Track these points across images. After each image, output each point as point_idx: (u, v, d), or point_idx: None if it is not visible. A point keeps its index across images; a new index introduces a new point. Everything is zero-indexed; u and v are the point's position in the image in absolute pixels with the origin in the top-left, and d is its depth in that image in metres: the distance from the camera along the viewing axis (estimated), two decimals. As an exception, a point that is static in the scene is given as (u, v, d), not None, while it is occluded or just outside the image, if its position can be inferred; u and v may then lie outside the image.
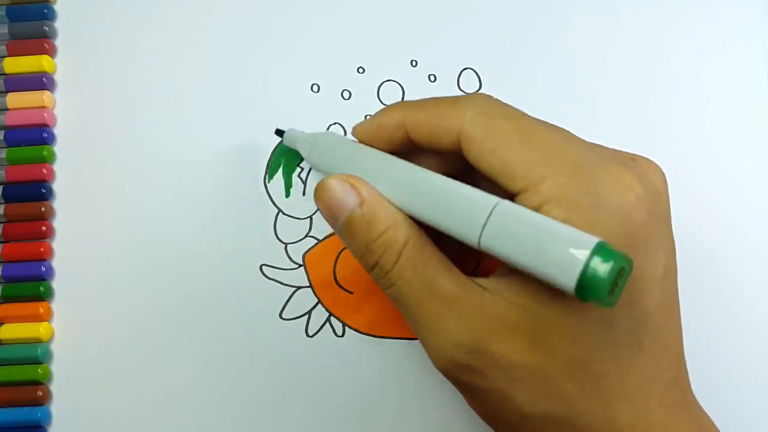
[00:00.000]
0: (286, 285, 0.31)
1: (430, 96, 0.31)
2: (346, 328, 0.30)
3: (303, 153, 0.27)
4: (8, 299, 0.31)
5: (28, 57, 0.32)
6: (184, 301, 0.31)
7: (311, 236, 0.31)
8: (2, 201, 0.32)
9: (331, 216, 0.24)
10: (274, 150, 0.31)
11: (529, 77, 0.32)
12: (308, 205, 0.31)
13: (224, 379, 0.30)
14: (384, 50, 0.32)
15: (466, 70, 0.32)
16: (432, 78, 0.32)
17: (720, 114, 0.31)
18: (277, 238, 0.31)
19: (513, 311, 0.21)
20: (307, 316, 0.30)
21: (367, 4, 0.32)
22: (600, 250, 0.18)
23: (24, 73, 0.32)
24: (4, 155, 0.32)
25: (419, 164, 0.24)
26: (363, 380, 0.30)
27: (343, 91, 0.32)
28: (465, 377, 0.22)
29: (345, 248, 0.31)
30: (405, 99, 0.32)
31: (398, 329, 0.30)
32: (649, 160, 0.23)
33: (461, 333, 0.21)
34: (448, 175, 0.23)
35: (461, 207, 0.21)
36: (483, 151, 0.21)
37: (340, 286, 0.30)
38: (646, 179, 0.21)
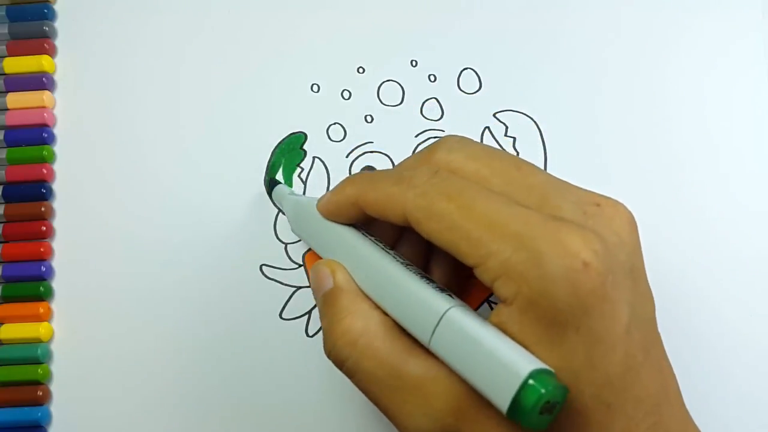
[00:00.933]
0: (286, 285, 0.31)
1: (430, 96, 0.31)
2: (346, 328, 0.30)
3: (286, 214, 0.29)
4: (8, 299, 0.31)
5: (28, 57, 0.32)
6: (184, 301, 0.31)
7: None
8: (2, 201, 0.32)
9: (314, 293, 0.25)
10: (274, 150, 0.32)
11: (529, 77, 0.32)
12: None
13: (224, 378, 0.30)
14: (384, 50, 0.32)
15: (466, 70, 0.32)
16: (432, 78, 0.32)
17: (720, 114, 0.31)
18: (277, 238, 0.31)
19: (480, 396, 0.20)
20: (307, 316, 0.30)
21: (367, 4, 0.32)
22: (533, 378, 0.18)
23: (24, 73, 0.32)
24: (4, 155, 0.32)
25: (386, 228, 0.25)
26: (363, 380, 0.30)
27: (343, 91, 0.32)
28: None
29: (345, 248, 0.31)
30: (405, 99, 0.32)
31: (398, 329, 0.30)
32: (616, 203, 0.22)
33: (430, 420, 0.21)
34: (415, 237, 0.24)
35: (416, 308, 0.21)
36: (431, 231, 0.21)
37: (340, 286, 0.30)
38: (604, 235, 0.21)
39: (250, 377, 0.30)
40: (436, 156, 0.24)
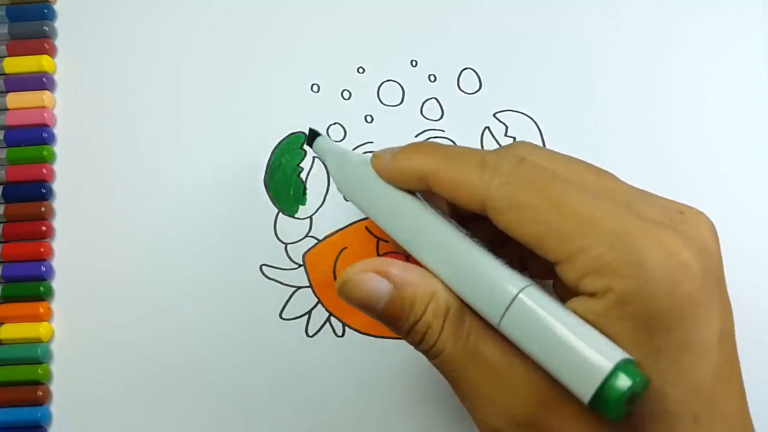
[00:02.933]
0: (286, 285, 0.31)
1: (430, 96, 0.31)
2: (346, 328, 0.30)
3: (330, 169, 0.27)
4: (8, 299, 0.31)
5: (28, 57, 0.32)
6: (184, 301, 0.31)
7: (311, 236, 0.31)
8: (2, 201, 0.32)
9: (366, 309, 0.22)
10: (274, 150, 0.32)
11: (529, 77, 0.32)
12: (308, 205, 0.31)
13: (224, 378, 0.30)
14: (384, 50, 0.32)
15: (466, 70, 0.32)
16: (432, 78, 0.32)
17: (720, 114, 0.31)
18: (277, 238, 0.31)
19: (560, 385, 0.20)
20: (307, 316, 0.30)
21: (367, 4, 0.32)
22: (621, 369, 0.18)
23: (24, 73, 0.32)
24: (4, 155, 0.32)
25: (453, 205, 0.23)
26: (363, 380, 0.30)
27: (343, 91, 0.32)
28: None
29: (345, 248, 0.31)
30: (405, 99, 0.32)
31: (398, 329, 0.30)
32: (698, 212, 0.21)
33: (509, 406, 0.20)
34: (479, 222, 0.22)
35: (486, 285, 0.20)
36: (511, 224, 0.20)
37: (340, 286, 0.30)
38: (694, 239, 0.20)
39: (249, 377, 0.30)
40: (516, 151, 0.22)
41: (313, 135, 0.28)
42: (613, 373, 0.18)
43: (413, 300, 0.22)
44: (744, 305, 0.30)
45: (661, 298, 0.18)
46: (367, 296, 0.22)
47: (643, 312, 0.18)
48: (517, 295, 0.20)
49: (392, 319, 0.22)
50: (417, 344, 0.22)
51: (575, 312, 0.19)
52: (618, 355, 0.18)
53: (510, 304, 0.20)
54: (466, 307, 0.22)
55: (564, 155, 0.23)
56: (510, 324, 0.20)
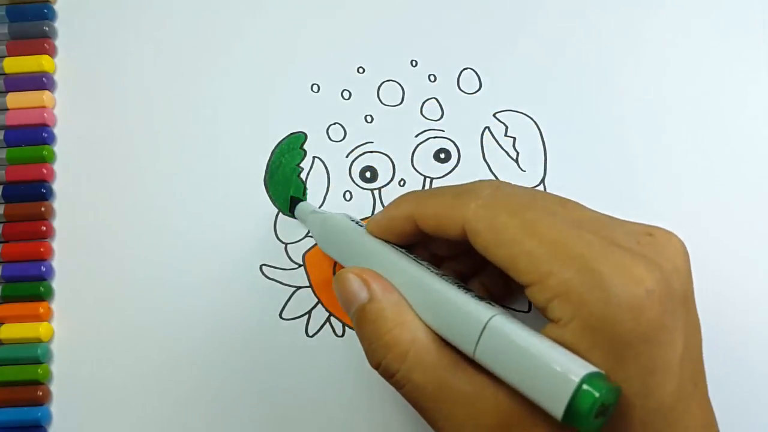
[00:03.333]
0: (286, 285, 0.31)
1: (430, 96, 0.31)
2: (346, 328, 0.30)
3: (312, 231, 0.29)
4: (8, 299, 0.31)
5: (28, 57, 0.32)
6: (184, 301, 0.31)
7: (311, 236, 0.31)
8: (2, 201, 0.32)
9: (344, 306, 0.24)
10: (274, 150, 0.32)
11: (529, 77, 0.32)
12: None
13: (224, 379, 0.30)
14: (384, 50, 0.32)
15: (466, 70, 0.32)
16: (432, 78, 0.32)
17: (720, 114, 0.31)
18: (277, 238, 0.31)
19: (528, 408, 0.20)
20: (307, 316, 0.30)
21: (367, 4, 0.32)
22: (587, 382, 0.18)
23: (24, 73, 0.32)
24: (4, 155, 0.32)
25: (434, 247, 0.25)
26: (363, 380, 0.30)
27: (343, 91, 0.32)
28: None
29: (345, 248, 0.31)
30: (405, 99, 0.32)
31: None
32: (668, 233, 0.22)
33: None
34: (462, 254, 0.24)
35: (458, 318, 0.21)
36: (488, 245, 0.21)
37: (340, 286, 0.30)
38: (662, 261, 0.21)
39: (249, 377, 0.30)
40: (491, 181, 0.24)
41: (293, 203, 0.30)
42: (581, 386, 0.18)
43: (380, 315, 0.23)
44: (746, 304, 0.30)
45: (626, 325, 0.19)
46: (347, 295, 0.24)
47: (609, 339, 0.19)
48: (486, 323, 0.20)
49: (360, 325, 0.23)
50: (377, 366, 0.23)
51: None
52: (585, 368, 0.19)
53: (482, 333, 0.20)
54: (437, 341, 0.22)
55: (533, 189, 0.24)
56: (484, 351, 0.20)
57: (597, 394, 0.18)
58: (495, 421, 0.21)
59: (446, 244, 0.26)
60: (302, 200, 0.30)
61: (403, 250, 0.25)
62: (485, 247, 0.22)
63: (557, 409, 0.18)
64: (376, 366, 0.23)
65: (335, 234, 0.27)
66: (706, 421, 0.21)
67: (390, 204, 0.26)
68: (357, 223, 0.27)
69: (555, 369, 0.19)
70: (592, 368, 0.19)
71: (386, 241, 0.25)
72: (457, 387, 0.21)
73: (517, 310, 0.29)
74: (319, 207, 0.31)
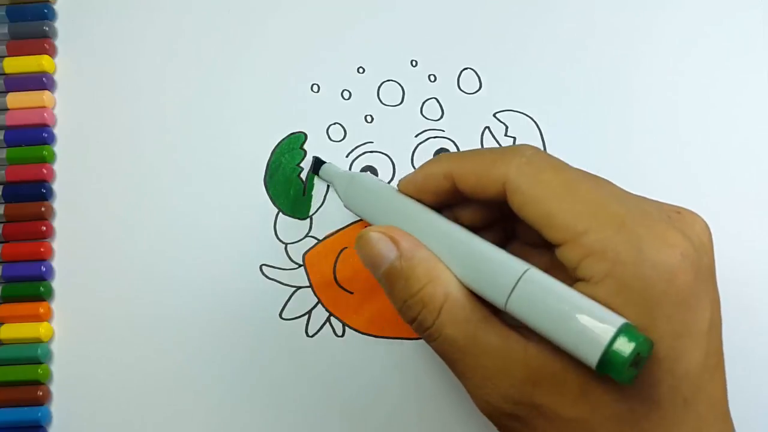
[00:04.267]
0: (286, 285, 0.31)
1: (430, 96, 0.31)
2: (346, 328, 0.30)
3: (339, 190, 0.29)
4: (8, 299, 0.31)
5: (28, 57, 0.32)
6: (184, 301, 0.31)
7: (311, 236, 0.31)
8: (2, 201, 0.32)
9: (372, 267, 0.24)
10: (274, 150, 0.32)
11: (529, 77, 0.32)
12: (308, 205, 0.31)
13: (224, 378, 0.30)
14: (384, 50, 0.32)
15: (466, 70, 0.32)
16: (432, 78, 0.32)
17: (722, 113, 0.31)
18: (277, 238, 0.31)
19: (558, 364, 0.21)
20: (307, 316, 0.30)
21: (367, 4, 0.32)
22: (623, 332, 0.19)
23: (24, 73, 0.32)
24: (4, 155, 0.32)
25: (462, 215, 0.25)
26: (363, 380, 0.30)
27: (343, 91, 0.32)
28: (509, 424, 0.22)
29: (345, 248, 0.31)
30: (405, 99, 0.32)
31: (398, 329, 0.30)
32: (693, 213, 0.23)
33: (507, 386, 0.21)
34: (486, 226, 0.24)
35: (491, 270, 0.22)
36: (527, 201, 0.22)
37: (340, 286, 0.30)
38: (691, 235, 0.21)
39: (249, 377, 0.30)
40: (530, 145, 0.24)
41: (318, 163, 0.30)
42: (616, 337, 0.18)
43: (412, 273, 0.23)
44: (746, 303, 0.30)
45: (660, 286, 0.19)
46: (374, 255, 0.23)
47: (642, 298, 0.19)
48: (522, 275, 0.21)
49: (391, 284, 0.23)
50: (411, 321, 0.23)
51: None
52: (619, 320, 0.19)
53: (516, 284, 0.21)
54: (468, 295, 0.23)
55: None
56: (517, 302, 0.21)
57: (633, 344, 0.18)
58: (524, 374, 0.21)
59: (474, 211, 0.25)
60: (325, 162, 0.30)
61: (433, 210, 0.25)
62: (523, 204, 0.22)
63: (592, 357, 0.19)
64: (411, 321, 0.23)
65: (364, 192, 0.27)
66: (724, 395, 0.22)
67: (425, 163, 0.25)
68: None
69: (590, 318, 0.19)
70: (626, 320, 0.19)
71: (416, 200, 0.25)
72: (487, 340, 0.22)
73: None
74: (319, 207, 0.31)
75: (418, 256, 0.23)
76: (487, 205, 0.25)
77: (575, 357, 0.19)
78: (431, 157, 0.31)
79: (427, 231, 0.24)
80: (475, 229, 0.26)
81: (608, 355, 0.19)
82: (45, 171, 0.31)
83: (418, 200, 0.25)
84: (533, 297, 0.20)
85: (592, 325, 0.19)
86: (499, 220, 0.25)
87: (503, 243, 0.26)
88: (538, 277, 0.21)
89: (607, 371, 0.19)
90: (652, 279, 0.19)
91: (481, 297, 0.22)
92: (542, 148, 0.31)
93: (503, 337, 0.22)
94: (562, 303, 0.20)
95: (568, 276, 0.21)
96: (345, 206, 0.29)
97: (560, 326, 0.20)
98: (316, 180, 0.31)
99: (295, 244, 0.31)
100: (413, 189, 0.25)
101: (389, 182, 0.31)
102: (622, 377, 0.19)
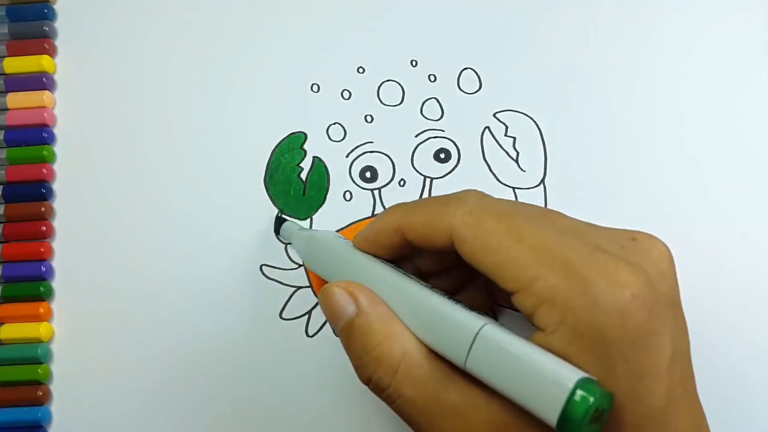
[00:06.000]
0: (286, 285, 0.31)
1: (430, 96, 0.31)
2: (346, 328, 0.30)
3: (298, 251, 0.29)
4: (8, 299, 0.31)
5: (28, 57, 0.32)
6: (184, 301, 0.31)
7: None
8: (2, 201, 0.32)
9: (331, 321, 0.24)
10: (274, 150, 0.32)
11: (529, 77, 0.32)
12: (308, 205, 0.31)
13: (224, 378, 0.30)
14: (384, 50, 0.32)
15: (466, 70, 0.32)
16: (432, 78, 0.32)
17: (722, 114, 0.31)
18: (278, 238, 0.31)
19: (522, 417, 0.20)
20: (307, 316, 0.30)
21: (367, 4, 0.32)
22: (580, 386, 0.18)
23: (24, 73, 0.32)
24: (4, 155, 0.32)
25: (421, 263, 0.25)
26: (363, 380, 0.30)
27: (343, 91, 0.32)
28: None
29: (345, 248, 0.31)
30: (405, 99, 0.32)
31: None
32: (651, 237, 0.22)
33: None
34: (447, 269, 0.24)
35: (448, 327, 0.21)
36: (474, 251, 0.21)
37: (340, 286, 0.30)
38: (646, 265, 0.21)
39: (250, 377, 0.30)
40: (476, 191, 0.24)
41: (279, 222, 0.30)
42: (575, 391, 0.18)
43: (369, 329, 0.22)
44: (745, 301, 0.30)
45: (613, 330, 0.19)
46: (334, 310, 0.23)
47: (597, 344, 0.19)
48: (478, 332, 0.20)
49: (348, 340, 0.23)
50: (367, 382, 0.23)
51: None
52: (577, 374, 0.19)
53: (473, 342, 0.20)
54: (427, 354, 0.22)
55: (515, 200, 0.24)
56: (475, 361, 0.20)
57: (591, 399, 0.18)
58: (487, 430, 0.21)
59: (432, 259, 0.25)
60: (286, 220, 0.30)
61: (391, 264, 0.25)
62: (471, 254, 0.22)
63: (551, 415, 0.18)
64: (367, 381, 0.23)
65: (321, 252, 0.27)
66: (696, 423, 0.21)
67: (377, 217, 0.25)
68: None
69: (548, 375, 0.19)
70: (584, 373, 0.19)
71: (374, 256, 0.25)
72: (449, 400, 0.21)
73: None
74: (319, 207, 0.31)
75: (375, 312, 0.23)
76: (441, 253, 0.24)
77: (535, 415, 0.19)
78: (431, 156, 0.31)
79: (384, 288, 0.23)
80: (437, 274, 0.26)
81: (567, 412, 0.18)
82: (45, 171, 0.31)
83: (375, 255, 0.25)
84: (490, 355, 0.20)
85: (548, 383, 0.19)
86: (457, 263, 0.24)
87: (467, 283, 0.26)
88: (494, 334, 0.20)
89: (568, 429, 0.18)
90: (605, 323, 0.19)
91: (440, 355, 0.22)
92: (542, 148, 0.31)
93: (465, 395, 0.21)
94: (519, 360, 0.19)
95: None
96: (304, 265, 0.29)
97: (518, 385, 0.19)
98: (316, 180, 0.31)
99: (295, 244, 0.31)
100: (367, 245, 0.25)
101: (389, 182, 0.31)
102: (582, 427, 0.18)
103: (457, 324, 0.21)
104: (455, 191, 0.24)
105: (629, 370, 0.19)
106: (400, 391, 0.22)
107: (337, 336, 0.24)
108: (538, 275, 0.20)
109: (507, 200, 0.24)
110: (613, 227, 0.22)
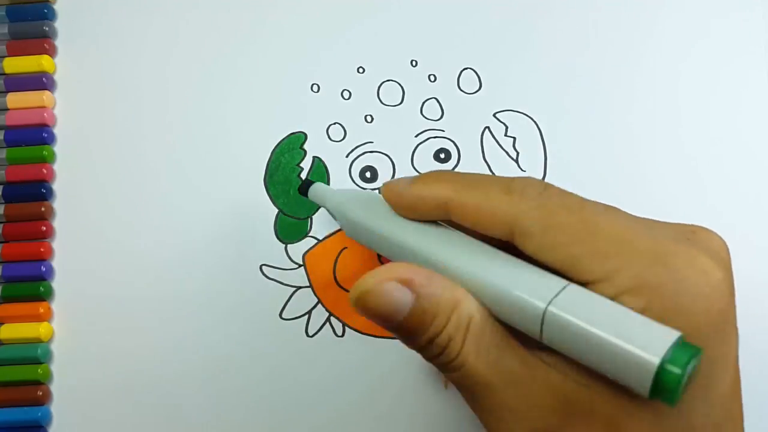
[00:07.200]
0: (286, 285, 0.31)
1: (430, 96, 0.31)
2: (346, 328, 0.30)
3: (335, 213, 0.26)
4: (8, 299, 0.31)
5: (28, 57, 0.32)
6: (184, 301, 0.31)
7: (311, 236, 0.31)
8: (2, 201, 0.32)
9: (385, 322, 0.21)
10: (274, 150, 0.32)
11: (529, 77, 0.32)
12: (308, 205, 0.31)
13: (224, 379, 0.30)
14: (384, 50, 0.32)
15: (466, 70, 0.32)
16: (432, 78, 0.32)
17: (722, 114, 0.31)
18: (277, 238, 0.31)
19: (584, 394, 0.20)
20: (307, 316, 0.30)
21: (367, 4, 0.32)
22: (681, 344, 0.18)
23: (24, 73, 0.32)
24: (4, 155, 0.32)
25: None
26: (363, 380, 0.30)
27: (343, 91, 0.32)
28: None
29: (345, 248, 0.31)
30: (405, 99, 0.32)
31: (398, 329, 0.30)
32: (709, 231, 0.21)
33: (533, 419, 0.20)
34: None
35: (525, 288, 0.20)
36: (544, 246, 0.20)
37: (340, 286, 0.30)
38: (718, 257, 0.20)
39: (249, 377, 0.30)
40: (536, 180, 0.22)
41: (306, 184, 0.28)
42: (675, 347, 0.17)
43: (436, 312, 0.20)
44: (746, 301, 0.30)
45: (698, 316, 0.19)
46: (388, 308, 0.20)
47: (680, 328, 0.19)
48: (560, 291, 0.19)
49: (411, 332, 0.21)
50: (434, 357, 0.21)
51: None
52: (674, 332, 0.18)
53: (554, 297, 0.19)
54: (488, 317, 0.21)
55: (574, 193, 0.23)
56: (553, 325, 0.19)
57: (692, 352, 0.17)
58: (551, 403, 0.20)
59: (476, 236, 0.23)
60: (313, 182, 0.28)
61: (443, 225, 0.22)
62: (538, 250, 0.20)
63: (646, 375, 0.17)
64: (435, 357, 0.21)
65: (364, 217, 0.24)
66: (743, 419, 0.21)
67: (419, 179, 0.23)
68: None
69: (644, 331, 0.18)
70: (678, 332, 0.18)
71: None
72: (510, 368, 0.20)
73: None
74: (319, 207, 0.31)
75: (434, 290, 0.20)
76: (486, 237, 0.22)
77: (625, 374, 0.18)
78: (431, 156, 0.31)
79: (448, 253, 0.21)
80: None
81: (662, 374, 0.17)
82: (45, 171, 0.31)
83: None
84: (574, 314, 0.19)
85: (643, 340, 0.18)
86: (500, 246, 0.22)
87: None
88: (579, 292, 0.19)
89: (661, 397, 0.18)
90: (690, 308, 0.19)
91: (503, 321, 0.21)
92: (542, 148, 0.31)
93: (526, 364, 0.20)
94: (606, 318, 0.18)
95: None
96: (342, 228, 0.26)
97: (603, 355, 0.18)
98: (316, 180, 0.31)
99: (295, 244, 0.31)
100: (402, 205, 0.23)
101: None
102: (674, 401, 0.17)
103: (536, 284, 0.20)
104: (509, 177, 0.22)
105: (706, 356, 0.19)
106: (466, 358, 0.20)
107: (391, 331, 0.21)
108: (620, 265, 0.19)
109: (569, 192, 0.22)
110: (671, 222, 0.22)
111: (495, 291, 0.20)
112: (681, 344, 0.18)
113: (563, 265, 0.20)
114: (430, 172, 0.23)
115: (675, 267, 0.19)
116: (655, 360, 0.17)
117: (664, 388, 0.17)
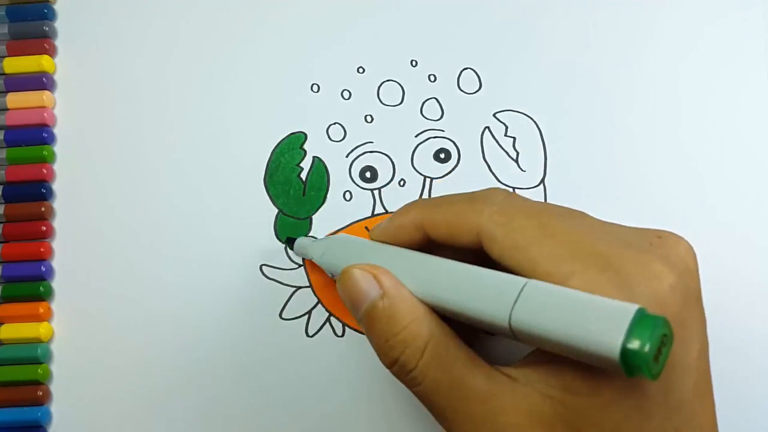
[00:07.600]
0: (286, 285, 0.31)
1: (430, 96, 0.31)
2: (346, 328, 0.30)
3: (315, 257, 0.28)
4: (8, 299, 0.31)
5: (28, 57, 0.32)
6: (184, 301, 0.31)
7: (311, 236, 0.31)
8: (2, 201, 0.32)
9: (351, 306, 0.23)
10: (274, 150, 0.32)
11: (529, 77, 0.32)
12: (308, 205, 0.31)
13: (224, 378, 0.30)
14: (384, 50, 0.32)
15: (466, 70, 0.32)
16: (432, 78, 0.32)
17: (722, 114, 0.31)
18: (277, 238, 0.31)
19: (547, 405, 0.20)
20: (307, 316, 0.30)
21: (367, 4, 0.32)
22: (641, 317, 0.18)
23: (24, 73, 0.32)
24: (4, 155, 0.32)
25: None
26: (363, 380, 0.30)
27: (343, 91, 0.32)
28: None
29: (345, 248, 0.31)
30: (405, 99, 0.32)
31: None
32: (676, 235, 0.22)
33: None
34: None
35: (489, 288, 0.20)
36: (505, 249, 0.21)
37: (340, 286, 0.31)
38: (676, 261, 0.21)
39: (249, 377, 0.30)
40: (500, 188, 0.24)
41: (290, 242, 0.30)
42: (633, 324, 0.17)
43: (396, 311, 0.22)
44: (745, 301, 0.30)
45: None
46: (356, 292, 0.23)
47: None
48: (523, 287, 0.20)
49: (372, 323, 0.23)
50: (392, 364, 0.22)
51: None
52: (633, 306, 0.18)
53: (518, 297, 0.19)
54: (452, 336, 0.22)
55: (538, 201, 0.24)
56: (521, 316, 0.19)
57: (658, 321, 0.17)
58: (512, 421, 0.20)
59: (449, 256, 0.25)
60: (295, 238, 0.30)
61: (411, 250, 0.24)
62: (501, 252, 0.21)
63: (614, 346, 0.17)
64: (391, 364, 0.22)
65: (340, 251, 0.26)
66: (713, 420, 0.21)
67: (396, 212, 0.25)
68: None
69: (606, 306, 0.18)
70: (641, 306, 0.18)
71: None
72: (474, 383, 0.21)
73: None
74: (319, 207, 0.31)
75: (400, 294, 0.22)
76: (460, 250, 0.24)
77: (597, 360, 0.18)
78: (431, 156, 0.31)
79: (411, 269, 0.23)
80: None
81: (629, 348, 0.17)
82: (45, 171, 0.31)
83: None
84: (539, 306, 0.19)
85: (605, 319, 0.18)
86: (475, 260, 0.24)
87: None
88: (540, 285, 0.20)
89: (632, 364, 0.17)
90: None
91: (461, 338, 0.21)
92: (542, 148, 0.31)
93: (491, 380, 0.21)
94: (570, 304, 0.19)
95: None
96: (326, 270, 0.28)
97: (572, 329, 0.18)
98: (316, 180, 0.31)
99: (295, 244, 0.31)
100: (386, 238, 0.25)
101: (389, 183, 0.31)
102: (647, 368, 0.17)
103: (501, 282, 0.20)
104: (475, 190, 0.24)
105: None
106: (426, 373, 0.21)
107: (357, 319, 0.23)
108: (574, 269, 0.20)
109: (532, 199, 0.23)
110: (636, 226, 0.22)
111: (462, 304, 0.21)
112: (641, 317, 0.18)
113: (524, 267, 0.21)
114: (405, 204, 0.25)
115: (626, 272, 0.19)
116: (617, 340, 0.17)
117: (635, 363, 0.17)
